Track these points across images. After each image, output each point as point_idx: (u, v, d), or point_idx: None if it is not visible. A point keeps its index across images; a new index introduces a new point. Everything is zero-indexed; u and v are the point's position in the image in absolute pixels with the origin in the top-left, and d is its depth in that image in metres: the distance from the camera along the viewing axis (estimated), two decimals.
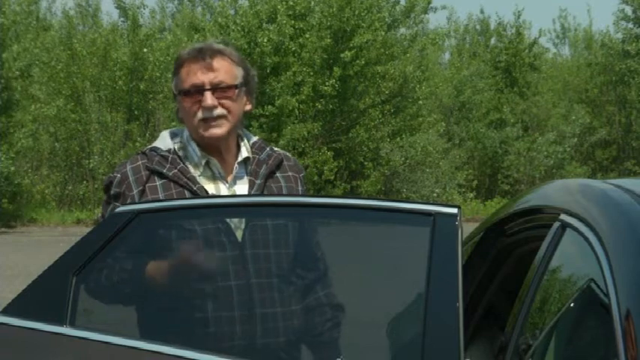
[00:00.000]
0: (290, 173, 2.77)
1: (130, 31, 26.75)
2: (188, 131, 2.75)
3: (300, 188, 2.78)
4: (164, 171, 2.65)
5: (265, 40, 23.51)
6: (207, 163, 2.71)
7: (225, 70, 2.70)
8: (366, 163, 25.55)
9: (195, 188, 2.62)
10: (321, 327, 2.53)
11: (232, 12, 25.46)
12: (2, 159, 23.49)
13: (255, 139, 2.81)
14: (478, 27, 35.10)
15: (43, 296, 2.20)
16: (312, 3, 24.71)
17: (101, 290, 2.33)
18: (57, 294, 2.17)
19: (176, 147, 2.72)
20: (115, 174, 2.68)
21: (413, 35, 27.28)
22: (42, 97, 25.73)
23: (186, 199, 2.52)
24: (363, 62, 24.06)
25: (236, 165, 2.71)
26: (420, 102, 26.77)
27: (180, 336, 2.29)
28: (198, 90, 2.68)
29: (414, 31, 27.59)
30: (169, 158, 2.68)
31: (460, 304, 2.00)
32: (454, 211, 2.12)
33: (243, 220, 2.45)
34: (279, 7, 24.02)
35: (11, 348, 2.18)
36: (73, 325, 2.14)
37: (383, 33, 24.67)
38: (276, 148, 2.82)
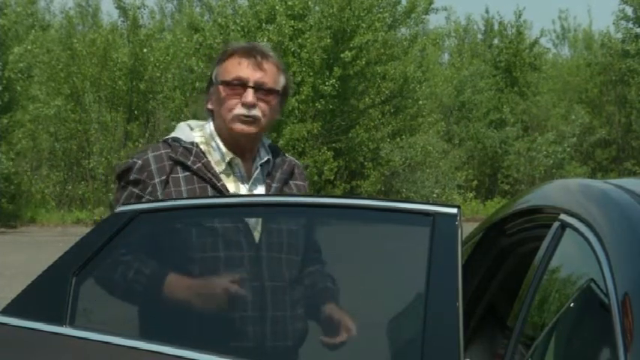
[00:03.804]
0: (300, 182, 2.78)
1: (130, 32, 26.74)
2: (214, 125, 2.71)
3: None
4: (188, 163, 2.61)
5: (265, 40, 23.51)
6: (230, 162, 2.68)
7: (271, 74, 2.69)
8: (365, 163, 25.56)
9: (219, 185, 2.60)
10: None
11: (231, 11, 25.46)
12: (2, 160, 23.49)
13: (269, 142, 2.80)
14: (482, 27, 35.07)
15: (43, 296, 2.20)
16: (310, 3, 24.71)
17: (101, 290, 2.33)
18: (57, 294, 2.16)
19: (197, 141, 2.68)
20: (135, 160, 2.63)
21: (413, 35, 27.29)
22: (41, 97, 25.73)
23: (187, 200, 2.51)
24: (363, 62, 24.06)
25: (258, 167, 2.70)
26: (420, 102, 26.78)
27: (181, 336, 2.29)
28: (242, 84, 2.66)
29: (415, 32, 27.61)
30: (193, 151, 2.64)
31: (460, 303, 1.99)
32: (454, 211, 2.11)
33: (246, 220, 2.44)
34: (277, 7, 24.03)
35: (11, 348, 2.18)
36: (72, 325, 2.14)
37: (383, 33, 24.67)
38: (286, 154, 2.82)
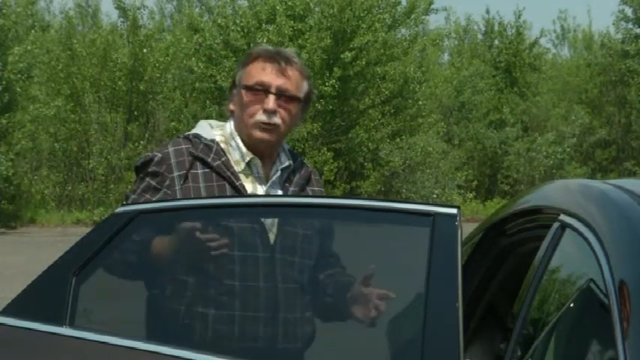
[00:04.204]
0: (316, 188, 2.77)
1: (130, 32, 26.74)
2: (235, 126, 2.70)
3: None
4: (208, 160, 2.60)
5: (265, 41, 23.50)
6: (249, 162, 2.67)
7: (294, 80, 2.68)
8: (365, 163, 25.57)
9: (237, 184, 2.59)
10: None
11: (231, 12, 25.46)
12: (2, 160, 23.50)
13: (288, 147, 2.79)
14: (482, 27, 35.03)
15: (43, 296, 2.20)
16: (310, 4, 24.72)
17: (101, 290, 2.33)
18: (56, 294, 2.16)
19: (218, 139, 2.68)
20: (154, 153, 2.63)
21: (413, 36, 27.31)
22: (41, 98, 25.74)
23: (187, 200, 2.50)
24: (363, 63, 24.06)
25: (279, 170, 2.69)
26: (420, 103, 26.79)
27: (180, 336, 2.29)
28: (264, 90, 2.65)
29: (415, 32, 27.62)
30: (214, 148, 2.63)
31: (460, 304, 2.00)
32: (454, 211, 2.11)
33: (248, 221, 2.44)
34: (278, 7, 24.03)
35: (11, 348, 2.18)
36: (72, 325, 2.14)
37: (383, 34, 24.68)
38: (304, 161, 2.82)
